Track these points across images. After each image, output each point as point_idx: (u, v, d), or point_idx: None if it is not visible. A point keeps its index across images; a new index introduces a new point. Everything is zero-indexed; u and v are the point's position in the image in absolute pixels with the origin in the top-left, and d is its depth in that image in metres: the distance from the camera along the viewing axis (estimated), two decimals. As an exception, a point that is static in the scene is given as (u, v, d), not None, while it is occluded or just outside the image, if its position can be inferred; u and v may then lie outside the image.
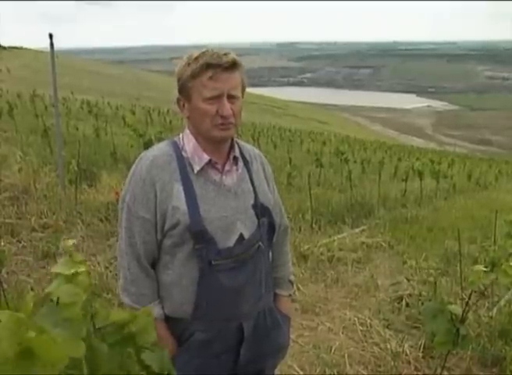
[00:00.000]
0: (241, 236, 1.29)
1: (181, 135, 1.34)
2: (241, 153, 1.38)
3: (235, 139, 1.37)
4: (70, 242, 0.70)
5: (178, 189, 1.24)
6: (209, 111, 1.21)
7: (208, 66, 1.17)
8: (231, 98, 1.21)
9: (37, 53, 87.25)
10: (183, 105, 1.28)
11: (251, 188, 1.35)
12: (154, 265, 1.31)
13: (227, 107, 1.20)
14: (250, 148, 1.45)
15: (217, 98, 1.20)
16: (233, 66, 1.20)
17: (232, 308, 1.30)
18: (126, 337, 0.67)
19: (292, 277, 1.57)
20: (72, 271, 0.64)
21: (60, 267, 0.66)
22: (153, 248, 1.28)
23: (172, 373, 0.72)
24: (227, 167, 1.31)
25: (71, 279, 0.65)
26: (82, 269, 0.65)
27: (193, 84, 1.21)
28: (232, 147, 1.34)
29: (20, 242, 3.90)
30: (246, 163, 1.38)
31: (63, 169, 5.31)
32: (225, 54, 1.19)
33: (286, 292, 1.54)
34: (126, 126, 14.77)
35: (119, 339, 0.66)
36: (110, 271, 3.41)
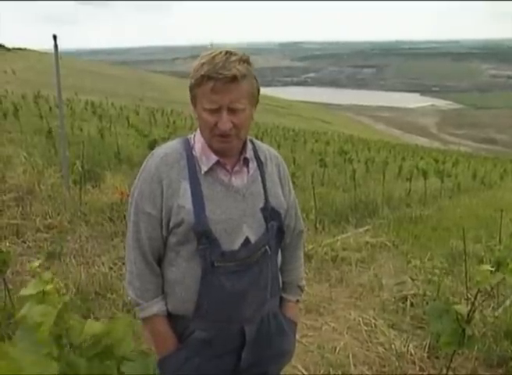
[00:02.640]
0: (247, 239, 1.26)
1: (193, 134, 1.33)
2: (256, 154, 1.35)
3: (250, 138, 1.34)
4: (36, 263, 0.70)
5: (185, 187, 1.23)
6: (208, 121, 1.19)
7: (210, 78, 1.14)
8: (232, 110, 1.17)
9: (41, 54, 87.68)
10: (195, 106, 1.25)
11: (262, 191, 1.31)
12: (160, 261, 1.32)
13: (225, 121, 1.16)
14: (266, 149, 1.41)
15: (216, 111, 1.17)
16: (235, 78, 1.14)
17: (234, 311, 1.28)
18: (105, 349, 0.66)
19: (302, 283, 1.53)
20: (38, 290, 0.64)
21: (30, 289, 0.66)
22: (159, 244, 1.28)
23: None
24: (237, 168, 1.28)
25: (42, 299, 0.64)
26: (49, 287, 0.65)
27: (197, 92, 1.19)
28: (244, 147, 1.30)
29: (25, 243, 3.92)
30: (259, 164, 1.34)
31: (67, 169, 5.33)
32: (232, 62, 1.14)
33: (294, 297, 1.49)
34: (130, 127, 14.81)
35: (97, 352, 0.65)
36: (114, 271, 3.42)
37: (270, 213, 1.31)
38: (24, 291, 0.66)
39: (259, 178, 1.32)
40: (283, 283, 1.47)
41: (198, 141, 1.29)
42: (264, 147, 1.41)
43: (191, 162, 1.26)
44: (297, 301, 1.52)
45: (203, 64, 1.16)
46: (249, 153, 1.31)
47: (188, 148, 1.28)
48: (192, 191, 1.23)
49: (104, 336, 0.66)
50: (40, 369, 0.50)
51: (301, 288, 1.52)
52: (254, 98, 1.24)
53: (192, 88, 1.21)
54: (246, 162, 1.30)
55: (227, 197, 1.26)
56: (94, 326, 0.66)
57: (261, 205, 1.30)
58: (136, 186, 1.29)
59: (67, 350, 0.63)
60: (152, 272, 1.29)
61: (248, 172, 1.31)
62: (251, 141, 1.35)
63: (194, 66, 1.19)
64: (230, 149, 1.26)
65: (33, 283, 0.67)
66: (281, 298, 1.47)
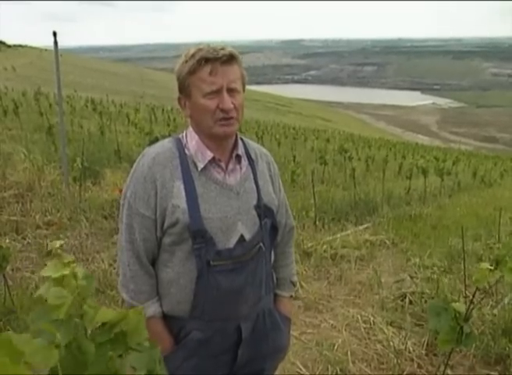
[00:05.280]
0: (242, 237, 1.26)
1: (185, 133, 1.32)
2: (246, 151, 1.35)
3: (240, 136, 1.34)
4: (57, 243, 0.69)
5: (179, 187, 1.21)
6: (209, 106, 1.18)
7: (206, 60, 1.16)
8: (231, 91, 1.19)
9: (41, 51, 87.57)
10: (184, 104, 1.25)
11: (255, 188, 1.32)
12: (154, 262, 1.30)
13: (227, 100, 1.18)
14: (256, 147, 1.42)
15: (216, 93, 1.18)
16: (231, 58, 1.18)
17: (230, 310, 1.28)
18: (117, 336, 0.66)
19: (294, 278, 1.55)
20: (58, 274, 0.64)
21: (49, 269, 0.66)
22: (153, 245, 1.26)
23: (161, 373, 0.70)
24: (231, 166, 1.28)
25: (60, 281, 0.65)
26: (66, 271, 0.65)
27: (192, 81, 1.19)
28: (235, 144, 1.31)
29: (25, 239, 3.93)
30: (251, 162, 1.34)
31: (67, 166, 5.33)
32: (222, 48, 1.18)
33: (288, 293, 1.51)
34: (130, 124, 14.80)
35: (109, 339, 0.65)
36: (114, 268, 3.43)
37: (263, 210, 1.32)
38: (44, 272, 0.66)
39: (251, 175, 1.33)
40: (276, 279, 1.49)
41: (192, 138, 1.28)
42: (254, 145, 1.42)
43: (184, 161, 1.24)
44: (291, 296, 1.54)
45: (193, 54, 1.18)
46: (240, 150, 1.32)
47: (180, 146, 1.27)
48: (186, 190, 1.21)
49: (117, 323, 0.66)
50: (44, 358, 0.50)
51: (294, 284, 1.54)
52: (245, 83, 1.26)
53: (185, 79, 1.20)
54: (238, 159, 1.31)
55: (221, 195, 1.25)
56: (106, 314, 0.66)
57: (255, 202, 1.30)
58: (128, 186, 1.27)
59: (81, 334, 0.64)
60: (146, 273, 1.27)
61: (241, 169, 1.31)
62: (241, 139, 1.35)
63: (181, 61, 1.21)
64: (231, 134, 1.26)
65: (52, 263, 0.67)
66: (275, 295, 1.48)
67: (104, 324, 0.66)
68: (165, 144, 1.29)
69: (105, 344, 0.64)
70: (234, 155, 1.29)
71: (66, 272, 0.65)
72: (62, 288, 0.64)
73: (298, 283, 3.40)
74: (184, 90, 1.22)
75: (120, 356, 0.64)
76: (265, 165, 1.40)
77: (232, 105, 1.19)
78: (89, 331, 0.65)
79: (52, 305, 0.61)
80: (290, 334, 1.56)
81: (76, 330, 0.62)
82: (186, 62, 1.19)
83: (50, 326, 0.58)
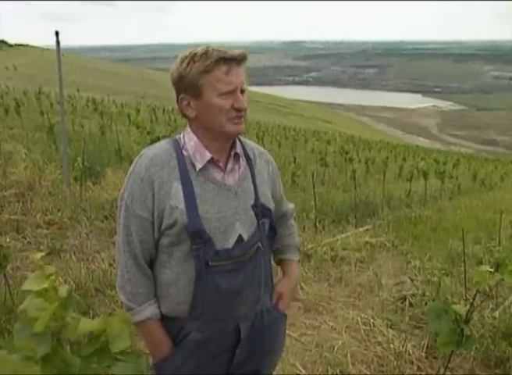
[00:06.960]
0: (240, 237, 1.26)
1: (182, 134, 1.31)
2: (244, 150, 1.35)
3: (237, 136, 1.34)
4: (39, 255, 0.69)
5: (176, 188, 1.21)
6: (224, 105, 1.19)
7: (225, 60, 1.16)
8: (242, 91, 1.22)
9: (43, 51, 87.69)
10: (188, 104, 1.23)
11: (252, 188, 1.32)
12: (151, 263, 1.29)
13: (242, 100, 1.20)
14: (254, 146, 1.42)
15: (231, 93, 1.19)
16: (244, 59, 1.21)
17: (229, 310, 1.28)
18: (101, 347, 0.65)
19: (298, 245, 1.60)
20: (39, 285, 0.64)
21: (31, 282, 0.66)
22: (150, 246, 1.26)
23: None
24: (229, 165, 1.28)
25: (42, 293, 0.64)
26: (45, 285, 0.64)
27: (206, 80, 1.18)
28: (233, 144, 1.30)
29: (25, 238, 3.93)
30: (248, 161, 1.35)
31: (68, 166, 5.34)
32: (229, 47, 1.19)
33: (295, 257, 1.55)
34: (130, 125, 14.81)
35: (94, 351, 0.65)
36: (114, 268, 3.42)
37: (261, 210, 1.32)
38: (25, 286, 0.66)
39: (249, 175, 1.33)
40: (283, 246, 1.53)
41: (190, 139, 1.27)
42: (252, 144, 1.42)
43: (182, 161, 1.24)
44: (298, 261, 1.58)
45: (204, 53, 1.17)
46: (239, 149, 1.32)
47: (178, 148, 1.26)
48: (184, 191, 1.21)
49: (100, 333, 0.65)
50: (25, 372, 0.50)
51: (299, 249, 1.60)
52: (246, 82, 1.28)
53: (196, 78, 1.18)
54: (236, 158, 1.31)
55: (219, 195, 1.25)
56: (88, 324, 0.64)
57: (252, 202, 1.31)
58: (125, 188, 1.26)
59: (65, 347, 0.63)
60: (144, 275, 1.26)
61: (239, 168, 1.31)
62: (239, 139, 1.35)
63: (185, 61, 1.19)
64: (241, 132, 1.27)
65: (34, 276, 0.67)
66: (282, 261, 1.53)
67: (88, 335, 0.65)
68: (163, 145, 1.28)
69: (91, 356, 0.64)
70: (233, 153, 1.29)
71: (45, 285, 0.65)
72: (43, 300, 0.63)
73: (298, 285, 3.40)
74: (192, 89, 1.20)
75: (107, 367, 0.64)
76: (264, 164, 1.40)
77: (246, 105, 1.22)
78: (71, 342, 0.64)
79: (33, 317, 0.61)
80: (290, 336, 1.57)
81: (54, 342, 0.61)
82: (195, 62, 1.17)
83: (29, 341, 0.57)
